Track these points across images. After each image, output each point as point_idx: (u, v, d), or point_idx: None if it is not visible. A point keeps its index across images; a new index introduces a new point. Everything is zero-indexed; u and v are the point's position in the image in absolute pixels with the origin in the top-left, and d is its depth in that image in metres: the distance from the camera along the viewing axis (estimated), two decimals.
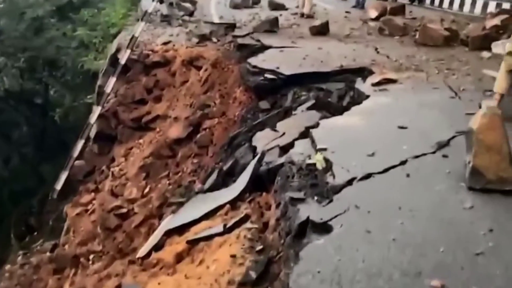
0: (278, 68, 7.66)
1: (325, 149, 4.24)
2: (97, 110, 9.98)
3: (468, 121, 4.86)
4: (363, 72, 7.32)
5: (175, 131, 8.85)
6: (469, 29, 8.77)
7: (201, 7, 13.92)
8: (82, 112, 13.26)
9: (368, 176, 3.68)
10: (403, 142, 4.35)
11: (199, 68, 10.01)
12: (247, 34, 10.05)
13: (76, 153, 9.87)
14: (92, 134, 10.61)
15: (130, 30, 11.32)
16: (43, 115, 16.50)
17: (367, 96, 6.05)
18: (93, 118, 9.92)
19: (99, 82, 11.17)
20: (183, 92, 9.99)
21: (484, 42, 8.08)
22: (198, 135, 8.30)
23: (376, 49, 8.51)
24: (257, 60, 8.15)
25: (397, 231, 2.96)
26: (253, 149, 5.45)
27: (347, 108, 6.22)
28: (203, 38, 10.69)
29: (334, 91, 7.11)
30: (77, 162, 10.69)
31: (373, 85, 6.45)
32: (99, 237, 8.65)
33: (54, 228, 10.44)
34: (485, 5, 14.25)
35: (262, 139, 5.58)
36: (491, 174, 3.36)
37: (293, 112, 6.71)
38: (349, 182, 3.60)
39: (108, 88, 10.08)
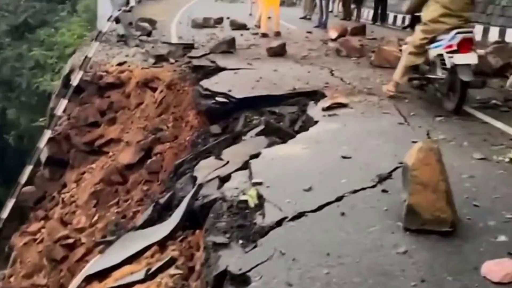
0: (230, 91, 7.38)
1: (260, 183, 3.94)
2: (46, 134, 9.52)
3: None
4: (316, 95, 7.10)
5: (126, 156, 8.47)
6: None
7: (161, 27, 13.65)
8: (38, 135, 12.72)
9: (300, 215, 3.38)
10: (343, 174, 4.08)
11: (154, 90, 9.70)
12: (203, 55, 9.79)
13: (23, 179, 9.35)
14: (43, 158, 10.14)
15: (84, 50, 10.94)
16: None
17: (316, 122, 5.81)
18: (42, 142, 9.45)
19: (51, 104, 10.74)
20: (138, 114, 9.64)
21: None
22: (148, 161, 7.94)
23: (331, 71, 8.33)
24: (209, 83, 7.86)
25: (321, 283, 2.66)
26: (194, 179, 5.12)
27: (299, 132, 6.02)
28: (160, 59, 10.39)
29: (286, 115, 6.88)
30: (27, 188, 10.19)
31: (324, 109, 6.21)
32: (45, 269, 8.18)
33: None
34: None
35: (204, 169, 5.25)
36: (427, 213, 3.10)
37: (243, 138, 6.44)
38: (279, 223, 3.29)
39: (59, 111, 9.64)
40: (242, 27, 13.66)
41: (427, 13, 6.10)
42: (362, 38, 12.22)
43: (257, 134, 6.29)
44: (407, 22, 16.45)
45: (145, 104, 9.67)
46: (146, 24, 12.15)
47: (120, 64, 10.37)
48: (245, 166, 4.80)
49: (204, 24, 13.94)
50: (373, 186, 3.84)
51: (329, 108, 6.24)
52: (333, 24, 13.60)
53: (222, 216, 3.57)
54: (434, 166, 3.13)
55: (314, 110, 6.35)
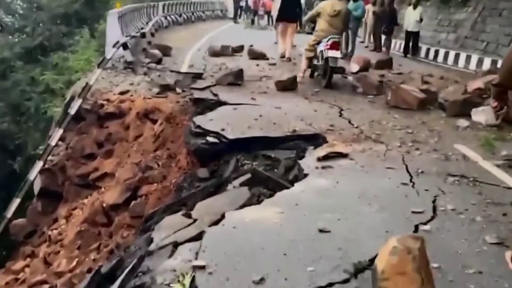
0: (223, 130, 6.58)
1: (202, 267, 3.09)
2: (38, 165, 8.96)
3: (414, 222, 3.74)
4: (317, 140, 6.24)
5: (112, 195, 7.77)
6: (448, 92, 7.67)
7: (176, 54, 13.09)
8: None
9: None
10: (313, 258, 3.18)
11: (154, 122, 9.05)
12: (207, 87, 9.07)
13: (10, 213, 8.78)
14: (36, 189, 9.59)
15: (89, 77, 10.43)
16: (2, 163, 15.33)
17: (305, 175, 4.94)
18: (32, 173, 8.89)
19: (50, 133, 10.23)
20: (135, 148, 8.99)
21: (463, 107, 6.96)
22: (132, 203, 7.19)
23: (340, 110, 7.43)
24: (203, 119, 7.09)
25: None
26: (150, 242, 4.31)
27: (293, 182, 5.17)
28: (165, 88, 9.75)
29: (282, 160, 6.02)
30: (19, 220, 9.65)
31: (319, 159, 5.33)
32: None
33: None
34: (480, 61, 13.22)
35: (165, 229, 4.41)
36: None
37: (227, 187, 5.63)
38: None
39: (53, 141, 9.10)
40: (261, 56, 12.92)
41: (317, 25, 9.55)
42: (387, 72, 11.29)
43: (243, 184, 5.48)
44: (441, 55, 15.47)
45: (144, 137, 9.01)
46: (156, 51, 11.58)
47: (122, 93, 9.80)
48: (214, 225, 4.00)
49: (221, 52, 13.28)
50: (345, 282, 2.92)
51: (325, 157, 5.36)
52: (358, 55, 12.69)
53: None
54: (411, 277, 2.22)
55: (308, 159, 5.47)
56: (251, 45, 14.73)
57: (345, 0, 11.05)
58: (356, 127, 6.51)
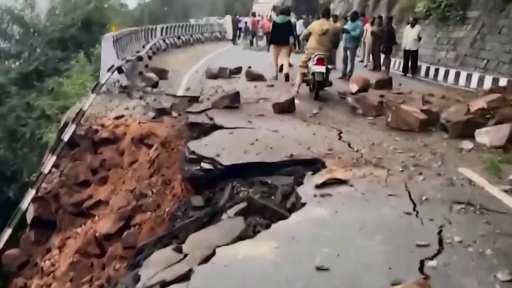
0: (218, 155, 6.34)
1: None
2: (30, 194, 8.71)
3: (419, 257, 3.47)
4: (315, 165, 5.99)
5: (106, 225, 7.51)
6: (450, 112, 7.43)
7: (173, 77, 12.94)
8: None
9: None
10: None
11: (150, 147, 8.83)
12: (203, 111, 8.85)
13: (1, 244, 8.49)
14: (29, 218, 9.33)
15: (83, 102, 10.25)
16: None
17: (303, 204, 4.68)
18: (24, 203, 8.63)
19: (44, 159, 10.01)
20: (130, 174, 8.76)
21: (466, 129, 6.71)
22: (125, 233, 6.92)
23: (340, 133, 7.19)
24: (197, 145, 6.86)
25: None
26: (137, 280, 4.04)
27: (292, 211, 4.92)
28: (161, 112, 9.56)
29: (279, 187, 5.77)
30: (12, 251, 9.38)
31: (317, 186, 5.08)
32: None
33: None
34: (481, 79, 13.02)
35: (154, 265, 4.16)
36: None
37: (222, 216, 5.37)
38: None
39: (46, 169, 8.86)
40: (259, 78, 12.74)
41: (308, 44, 10.45)
42: (387, 92, 11.08)
43: (238, 213, 5.22)
44: (441, 74, 15.29)
45: (139, 162, 8.79)
46: (152, 75, 11.40)
47: (117, 117, 9.61)
48: (204, 262, 3.74)
49: (219, 74, 13.10)
50: None
51: (324, 184, 5.10)
52: (357, 76, 12.49)
53: None
54: None
55: (306, 186, 5.21)
56: (249, 67, 14.58)
57: (333, 20, 13.34)
58: (356, 151, 6.26)
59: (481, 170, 5.40)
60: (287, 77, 12.02)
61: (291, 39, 12.58)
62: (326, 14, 11.27)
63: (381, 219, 4.14)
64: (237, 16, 30.61)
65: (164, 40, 21.31)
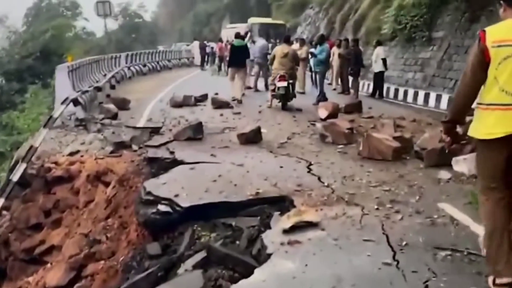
0: (177, 196, 5.71)
1: None
2: None
3: None
4: (284, 203, 5.42)
5: (55, 276, 6.71)
6: (425, 139, 6.97)
7: (135, 107, 12.29)
8: None
9: None
10: None
11: (107, 184, 8.10)
12: (164, 144, 8.23)
13: None
14: None
15: (35, 137, 9.49)
16: None
17: (268, 256, 4.07)
18: None
19: None
20: (85, 215, 7.98)
21: (442, 156, 6.22)
22: (75, 287, 6.17)
23: (309, 165, 6.64)
24: (155, 184, 6.22)
25: None
26: None
27: (257, 258, 4.33)
28: (120, 146, 8.87)
29: (244, 230, 5.17)
30: None
31: (285, 231, 4.48)
32: None
33: None
34: (451, 100, 12.75)
35: None
36: None
37: (180, 269, 4.74)
38: None
39: None
40: (225, 105, 12.22)
41: (273, 65, 12.35)
42: (357, 117, 10.67)
43: (197, 265, 4.62)
44: (411, 95, 15.04)
45: (95, 202, 8.03)
46: (111, 106, 10.73)
47: (72, 153, 8.86)
48: None
49: (183, 102, 12.52)
50: None
51: (293, 228, 4.51)
52: (326, 102, 12.07)
53: None
54: None
55: (273, 231, 4.61)
56: (216, 93, 14.09)
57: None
58: (327, 186, 5.71)
59: (463, 205, 4.89)
60: (240, 101, 12.99)
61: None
62: (286, 40, 13.40)
63: (357, 273, 3.56)
64: (205, 42, 30.22)
65: (129, 68, 20.67)
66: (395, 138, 6.99)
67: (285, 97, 11.93)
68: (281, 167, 6.58)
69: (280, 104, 12.09)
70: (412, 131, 8.78)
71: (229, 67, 14.52)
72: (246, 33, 18.18)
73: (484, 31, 3.23)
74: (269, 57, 13.52)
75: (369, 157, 6.80)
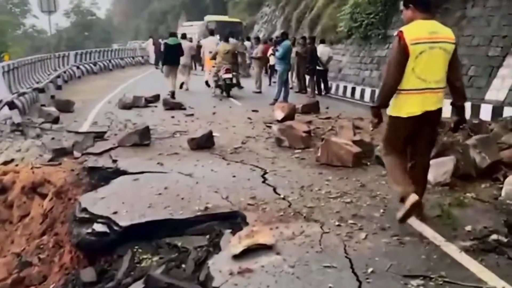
0: (115, 213, 5.00)
1: None
2: None
3: None
4: (235, 219, 4.81)
5: None
6: None
7: (80, 109, 11.39)
8: None
9: None
10: None
11: (44, 196, 7.25)
12: (106, 151, 7.46)
13: None
14: None
15: None
16: None
17: None
18: None
19: None
20: (19, 231, 7.12)
21: None
22: None
23: (264, 174, 6.05)
24: (92, 198, 5.47)
25: None
26: None
27: (206, 285, 3.71)
28: (60, 153, 8.01)
29: (191, 251, 4.53)
30: None
31: (236, 256, 3.87)
32: None
33: None
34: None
35: None
36: None
37: None
38: None
39: None
40: (177, 106, 11.50)
41: (216, 60, 14.10)
42: (315, 118, 10.18)
43: None
44: (368, 94, 14.72)
45: (31, 216, 7.17)
46: (52, 109, 9.83)
47: (5, 162, 7.94)
48: None
49: (133, 104, 11.72)
50: None
51: (243, 253, 3.90)
52: (283, 103, 11.52)
53: None
54: None
55: (221, 256, 3.99)
56: (169, 94, 13.37)
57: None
58: (283, 198, 5.12)
59: (431, 219, 4.41)
60: (173, 95, 13.42)
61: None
62: (226, 39, 15.16)
63: None
64: (159, 39, 29.19)
65: (78, 67, 19.53)
66: (354, 142, 6.48)
67: (230, 87, 14.13)
68: (234, 176, 5.95)
69: (221, 92, 14.33)
70: (371, 133, 8.33)
71: (164, 64, 14.89)
72: (212, 31, 18.06)
73: (401, 31, 3.98)
74: (210, 55, 15.02)
75: (328, 163, 6.27)
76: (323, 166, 6.26)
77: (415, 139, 4.22)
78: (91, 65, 21.46)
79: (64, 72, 16.89)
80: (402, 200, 4.08)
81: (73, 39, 38.03)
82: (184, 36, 16.41)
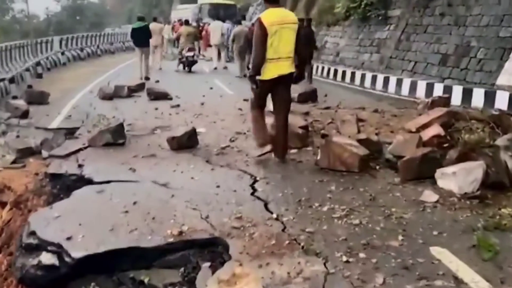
0: (69, 238, 3.96)
1: None
2: None
3: None
4: (216, 247, 3.77)
5: None
6: (398, 143, 5.43)
7: (56, 100, 10.28)
8: None
9: None
10: None
11: (4, 205, 6.20)
12: (73, 152, 6.38)
13: None
14: None
15: None
16: None
17: None
18: None
19: None
20: None
21: (422, 168, 4.72)
22: None
23: (253, 182, 4.99)
24: (44, 218, 4.41)
25: None
26: None
27: None
28: (26, 154, 6.94)
29: None
30: None
31: None
32: None
33: None
34: (413, 86, 11.38)
35: None
36: None
37: None
38: None
39: None
40: (163, 96, 10.41)
41: (180, 41, 16.97)
42: (312, 108, 9.10)
43: None
44: (368, 80, 13.63)
45: None
46: (20, 102, 8.72)
47: None
48: None
49: (115, 94, 10.62)
50: None
51: None
52: None
53: None
54: None
55: None
56: (157, 81, 12.26)
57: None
58: (276, 218, 4.07)
59: (465, 251, 3.37)
60: (147, 78, 13.82)
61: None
62: (187, 23, 18.13)
63: None
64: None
65: (63, 53, 18.29)
66: (360, 141, 5.40)
67: (192, 63, 16.75)
68: (218, 187, 4.88)
69: (183, 68, 16.78)
70: (376, 126, 7.29)
71: (136, 47, 14.97)
72: (217, 15, 19.47)
73: (260, 17, 5.33)
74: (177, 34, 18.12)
75: (329, 168, 5.20)
76: (323, 171, 5.20)
77: (274, 97, 5.64)
78: (77, 51, 20.20)
79: (47, 58, 15.66)
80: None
81: (62, 23, 36.48)
82: (155, 19, 17.60)
